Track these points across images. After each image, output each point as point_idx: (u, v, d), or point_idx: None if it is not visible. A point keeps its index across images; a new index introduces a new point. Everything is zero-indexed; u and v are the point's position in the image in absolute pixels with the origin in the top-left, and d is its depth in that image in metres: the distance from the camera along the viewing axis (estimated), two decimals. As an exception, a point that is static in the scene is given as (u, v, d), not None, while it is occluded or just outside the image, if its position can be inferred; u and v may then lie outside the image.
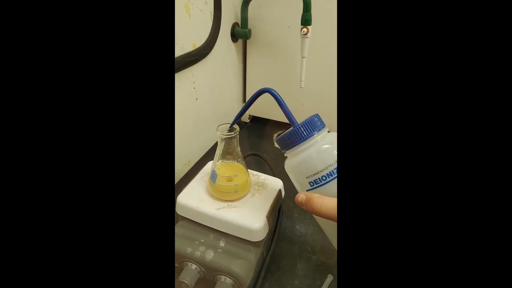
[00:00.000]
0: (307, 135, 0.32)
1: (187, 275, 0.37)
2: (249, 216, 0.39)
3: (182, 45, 0.52)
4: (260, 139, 0.78)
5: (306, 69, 0.62)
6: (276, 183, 0.46)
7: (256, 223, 0.38)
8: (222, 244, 0.39)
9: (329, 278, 0.42)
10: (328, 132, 0.34)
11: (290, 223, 0.51)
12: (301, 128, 0.33)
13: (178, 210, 0.42)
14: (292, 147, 0.34)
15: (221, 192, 0.41)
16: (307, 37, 0.58)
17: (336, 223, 0.28)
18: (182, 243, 0.39)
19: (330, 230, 0.35)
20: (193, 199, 0.42)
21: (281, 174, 0.61)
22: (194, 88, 0.59)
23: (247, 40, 0.73)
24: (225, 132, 0.39)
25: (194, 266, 0.38)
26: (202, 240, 0.39)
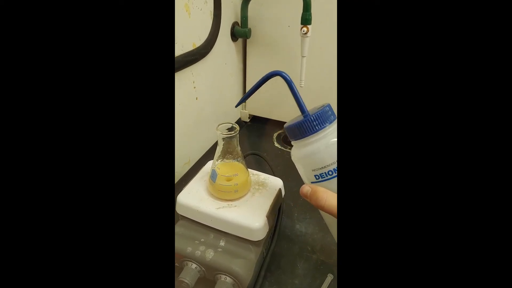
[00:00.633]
0: (319, 127, 0.30)
1: (187, 274, 0.37)
2: (249, 215, 0.39)
3: (182, 44, 0.52)
4: (260, 138, 0.78)
5: (306, 69, 0.62)
6: (276, 183, 0.46)
7: (256, 222, 0.38)
8: (222, 243, 0.39)
9: (329, 278, 0.42)
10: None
11: (290, 223, 0.51)
12: (313, 120, 0.30)
13: (178, 209, 0.42)
14: (301, 138, 0.32)
15: (221, 191, 0.41)
16: (307, 37, 0.58)
17: None
18: (182, 242, 0.39)
19: (335, 225, 0.34)
20: (193, 198, 0.42)
21: (281, 173, 0.61)
22: (194, 87, 0.59)
23: (247, 40, 0.73)
24: (225, 132, 0.39)
25: (194, 266, 0.38)
26: (202, 240, 0.39)
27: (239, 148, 0.42)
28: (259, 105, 0.81)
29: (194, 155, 0.65)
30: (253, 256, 0.38)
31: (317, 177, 0.31)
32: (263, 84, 0.36)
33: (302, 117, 0.32)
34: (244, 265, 0.37)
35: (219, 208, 0.40)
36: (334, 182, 0.30)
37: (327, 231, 0.50)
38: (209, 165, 0.49)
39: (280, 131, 0.80)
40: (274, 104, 0.78)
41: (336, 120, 0.32)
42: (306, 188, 0.31)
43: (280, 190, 0.45)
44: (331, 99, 0.77)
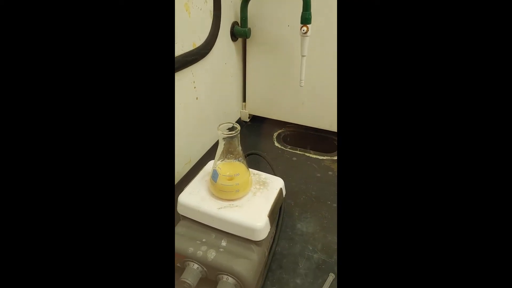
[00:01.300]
0: None
1: (189, 274, 0.37)
2: (250, 215, 0.39)
3: (182, 44, 0.52)
4: (260, 138, 0.78)
5: (306, 68, 0.62)
6: (277, 182, 0.46)
7: (258, 222, 0.38)
8: (224, 243, 0.39)
9: (331, 277, 0.42)
10: None
11: (291, 222, 0.51)
12: None
13: (180, 209, 0.42)
14: None
15: (222, 191, 0.41)
16: (307, 36, 0.58)
17: None
18: (184, 242, 0.39)
19: None
20: (194, 198, 0.42)
21: (282, 173, 0.61)
22: (194, 87, 0.59)
23: (247, 39, 0.73)
24: (226, 131, 0.39)
25: (196, 266, 0.38)
26: (203, 240, 0.39)
27: (240, 147, 0.41)
28: (259, 105, 0.81)
29: (194, 155, 0.65)
30: (255, 256, 0.38)
31: None
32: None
33: None
34: (246, 265, 0.37)
35: (220, 208, 0.40)
36: None
37: (328, 230, 0.50)
38: (210, 165, 0.49)
39: (280, 131, 0.80)
40: (274, 104, 0.78)
41: None
42: None
43: (281, 189, 0.45)
44: (331, 98, 0.77)
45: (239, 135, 0.40)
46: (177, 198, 0.42)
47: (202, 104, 0.62)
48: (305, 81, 0.63)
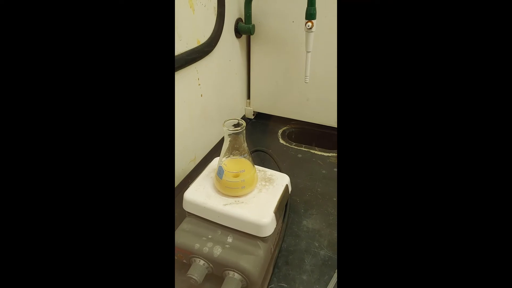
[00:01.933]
0: None
1: (196, 271, 0.37)
2: (256, 211, 0.39)
3: (187, 41, 0.51)
4: (265, 135, 0.77)
5: (310, 64, 0.61)
6: (283, 179, 0.46)
7: (264, 218, 0.38)
8: (229, 239, 0.39)
9: (337, 274, 0.42)
10: None
11: (297, 219, 0.51)
12: None
13: (185, 206, 0.42)
14: None
15: (228, 188, 0.41)
16: (311, 32, 0.57)
17: None
18: (190, 239, 0.39)
19: None
20: (200, 195, 0.42)
21: (287, 170, 0.61)
22: (199, 84, 0.58)
23: (251, 36, 0.72)
24: (232, 128, 0.39)
25: (202, 262, 0.38)
26: (209, 236, 0.39)
27: (245, 144, 0.41)
28: (263, 102, 0.81)
29: (199, 152, 0.65)
30: (261, 252, 0.38)
31: None
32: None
33: None
34: (252, 261, 0.37)
35: (226, 205, 0.40)
36: None
37: (334, 227, 0.50)
38: (215, 161, 0.49)
39: (285, 128, 0.80)
40: (279, 100, 0.78)
41: None
42: None
43: (287, 186, 0.45)
44: (336, 94, 0.77)
45: (244, 131, 0.40)
46: (183, 195, 0.42)
47: (206, 101, 0.62)
48: (310, 77, 0.62)
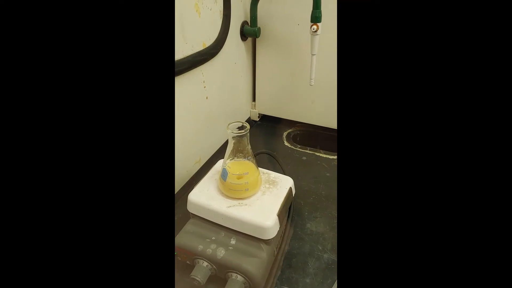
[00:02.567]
0: None
1: (199, 272, 0.37)
2: (260, 214, 0.39)
3: (192, 44, 0.52)
4: (269, 137, 0.78)
5: (316, 67, 0.61)
6: (287, 181, 0.46)
7: (267, 221, 0.38)
8: (233, 241, 0.39)
9: (341, 277, 0.42)
10: None
11: (300, 221, 0.51)
12: None
13: (189, 208, 0.43)
14: None
15: (231, 190, 0.41)
16: (317, 35, 0.57)
17: None
18: (194, 240, 0.39)
19: None
20: (204, 197, 0.42)
21: (291, 172, 0.61)
22: (204, 87, 0.59)
23: (257, 39, 0.73)
24: (236, 130, 0.39)
25: (205, 264, 0.38)
26: (213, 238, 0.40)
27: (249, 146, 0.42)
28: (268, 104, 0.81)
29: (204, 153, 0.65)
30: (264, 254, 0.38)
31: None
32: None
33: None
34: (255, 263, 0.37)
35: (230, 207, 0.40)
36: None
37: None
38: (219, 163, 0.49)
39: (290, 130, 0.80)
40: (284, 103, 0.78)
41: None
42: None
43: (290, 189, 0.45)
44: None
45: (248, 134, 0.40)
46: (187, 197, 0.43)
47: (212, 103, 0.63)
48: (315, 80, 0.63)
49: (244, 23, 0.69)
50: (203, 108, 0.61)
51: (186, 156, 0.58)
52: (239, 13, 0.67)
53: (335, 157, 0.69)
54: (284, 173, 0.49)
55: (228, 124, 0.40)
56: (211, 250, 0.38)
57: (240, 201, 0.41)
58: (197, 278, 0.36)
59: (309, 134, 0.80)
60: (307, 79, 0.63)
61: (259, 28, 0.69)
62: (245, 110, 0.82)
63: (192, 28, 0.51)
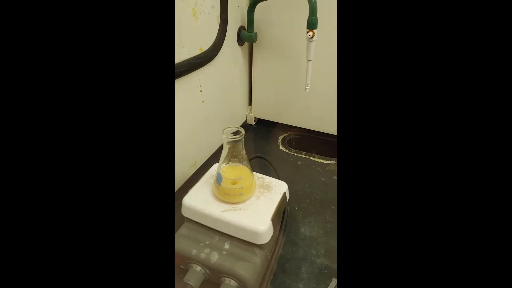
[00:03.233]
0: None
1: (192, 276, 0.37)
2: (254, 218, 0.39)
3: (189, 49, 0.52)
4: (265, 141, 0.78)
5: (311, 72, 0.62)
6: (281, 186, 0.46)
7: (261, 225, 0.39)
8: (227, 246, 0.39)
9: (334, 282, 0.42)
10: None
11: (294, 226, 0.51)
12: None
13: (184, 212, 0.43)
14: None
15: (226, 194, 0.41)
16: (313, 41, 0.58)
17: None
18: (188, 244, 0.39)
19: None
20: (198, 201, 0.42)
21: (286, 177, 0.61)
22: (201, 91, 0.59)
23: (253, 44, 0.73)
24: (231, 135, 0.40)
25: (199, 268, 0.38)
26: (207, 242, 0.40)
27: (244, 151, 0.42)
28: (264, 108, 0.82)
29: (200, 157, 0.65)
30: (257, 259, 0.38)
31: None
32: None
33: None
34: (248, 268, 0.37)
35: (224, 211, 0.40)
36: None
37: (331, 235, 0.50)
38: (214, 168, 0.49)
39: (285, 134, 0.80)
40: (280, 107, 0.79)
41: None
42: None
43: (284, 193, 0.45)
44: (336, 102, 0.77)
45: (243, 139, 0.41)
46: (181, 201, 0.43)
47: (208, 107, 0.63)
48: (311, 85, 0.63)
49: (241, 28, 0.70)
50: (199, 111, 0.61)
51: (181, 159, 0.58)
52: (236, 18, 0.68)
53: (330, 162, 0.69)
54: (279, 178, 0.49)
55: (223, 129, 0.40)
56: (204, 255, 0.38)
57: (235, 206, 0.41)
58: (190, 283, 0.36)
59: (304, 139, 0.80)
60: (303, 84, 0.63)
61: (256, 33, 0.70)
62: (241, 114, 0.83)
63: (189, 32, 0.51)
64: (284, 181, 0.48)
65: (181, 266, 0.40)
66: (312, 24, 0.57)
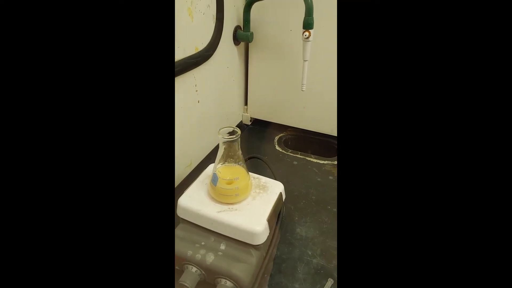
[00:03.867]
0: None
1: (188, 278, 0.37)
2: (250, 219, 0.39)
3: (185, 48, 0.52)
4: (261, 141, 0.78)
5: (307, 73, 0.62)
6: (277, 186, 0.46)
7: (257, 226, 0.38)
8: (222, 247, 0.39)
9: (329, 282, 0.42)
10: None
11: (290, 226, 0.51)
12: None
13: (179, 212, 0.42)
14: None
15: (222, 195, 0.41)
16: (309, 41, 0.58)
17: None
18: (183, 245, 0.39)
19: None
20: (194, 201, 0.42)
21: (282, 177, 0.61)
22: (196, 90, 0.59)
23: (249, 43, 0.73)
24: (226, 136, 0.39)
25: (194, 269, 0.38)
26: (202, 243, 0.39)
27: (240, 152, 0.42)
28: (260, 108, 0.82)
29: (195, 157, 0.65)
30: (253, 260, 0.38)
31: None
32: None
33: None
34: (244, 269, 0.37)
35: (220, 212, 0.40)
36: None
37: (327, 235, 0.50)
38: (210, 168, 0.49)
39: (281, 135, 0.80)
40: (276, 107, 0.79)
41: None
42: None
43: (281, 194, 0.45)
44: (333, 102, 0.78)
45: (239, 139, 0.40)
46: (177, 201, 0.42)
47: (203, 107, 0.63)
48: (307, 85, 0.63)
49: (237, 28, 0.70)
50: (195, 111, 0.60)
51: (177, 160, 0.58)
52: (232, 18, 0.67)
53: (326, 162, 0.69)
54: (275, 178, 0.49)
55: (219, 129, 0.40)
56: (200, 256, 0.38)
57: (230, 206, 0.41)
58: (185, 284, 0.36)
59: (301, 139, 0.80)
60: (299, 85, 0.63)
61: (252, 33, 0.70)
62: (237, 114, 0.82)
63: (184, 32, 0.51)
64: (280, 181, 0.48)
65: (177, 267, 0.40)
66: (308, 24, 0.57)
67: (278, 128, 0.82)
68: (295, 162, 0.69)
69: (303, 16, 0.57)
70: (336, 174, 0.65)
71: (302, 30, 0.57)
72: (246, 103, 0.83)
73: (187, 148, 0.60)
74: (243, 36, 0.69)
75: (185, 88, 0.55)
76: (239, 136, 0.40)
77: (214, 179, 0.41)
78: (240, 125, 0.85)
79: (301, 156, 0.71)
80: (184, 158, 0.61)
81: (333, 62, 0.66)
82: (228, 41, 0.68)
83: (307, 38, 0.57)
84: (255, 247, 0.39)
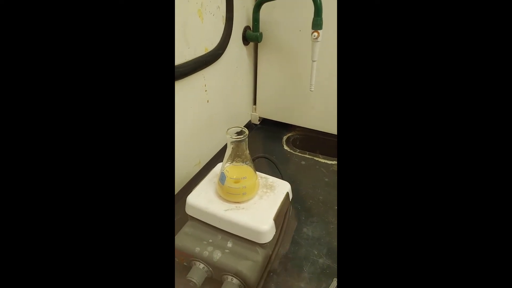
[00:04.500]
0: None
1: (195, 274, 0.38)
2: (256, 218, 0.40)
3: (195, 49, 0.53)
4: (269, 141, 0.78)
5: (316, 73, 0.62)
6: (284, 186, 0.47)
7: (264, 225, 0.39)
8: (229, 244, 0.40)
9: (335, 282, 0.42)
10: None
11: (297, 226, 0.52)
12: None
13: (188, 210, 0.43)
14: None
15: (229, 193, 0.42)
16: (317, 41, 0.58)
17: None
18: (191, 242, 0.40)
19: None
20: (202, 199, 0.43)
21: (289, 177, 0.61)
22: (206, 90, 0.60)
23: (259, 43, 0.73)
24: (234, 136, 0.40)
25: (202, 266, 0.39)
26: (210, 240, 0.40)
27: (247, 151, 0.42)
28: (269, 108, 0.82)
29: (204, 156, 0.66)
30: (259, 258, 0.39)
31: None
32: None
33: None
34: (250, 267, 0.37)
35: (227, 210, 0.41)
36: None
37: (334, 235, 0.50)
38: (218, 167, 0.50)
39: (289, 134, 0.80)
40: (284, 107, 0.79)
41: None
42: None
43: (287, 193, 0.46)
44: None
45: (247, 139, 0.41)
46: (185, 199, 0.43)
47: (213, 107, 0.64)
48: (315, 86, 0.63)
49: (247, 28, 0.70)
50: (204, 111, 0.61)
51: (186, 158, 0.59)
52: (242, 18, 0.68)
53: (334, 162, 0.69)
54: (282, 178, 0.49)
55: (227, 129, 0.40)
56: (207, 253, 0.39)
57: (238, 205, 0.42)
58: (193, 280, 0.37)
59: (309, 139, 0.80)
60: (308, 85, 0.63)
61: (261, 33, 0.70)
62: (245, 114, 0.83)
63: (195, 33, 0.52)
64: (287, 181, 0.48)
65: (184, 264, 0.41)
66: (317, 25, 0.57)
67: (287, 128, 0.82)
68: (303, 162, 0.69)
69: (312, 16, 0.57)
70: (343, 175, 0.65)
71: (311, 30, 0.57)
72: (254, 103, 0.84)
73: (196, 147, 0.61)
74: (252, 36, 0.70)
75: (194, 88, 0.56)
76: (246, 136, 0.40)
77: (222, 178, 0.42)
78: (249, 125, 0.85)
79: (309, 156, 0.71)
80: (193, 156, 0.62)
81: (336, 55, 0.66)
82: (237, 41, 0.68)
83: (316, 38, 0.57)
84: (262, 245, 0.40)
